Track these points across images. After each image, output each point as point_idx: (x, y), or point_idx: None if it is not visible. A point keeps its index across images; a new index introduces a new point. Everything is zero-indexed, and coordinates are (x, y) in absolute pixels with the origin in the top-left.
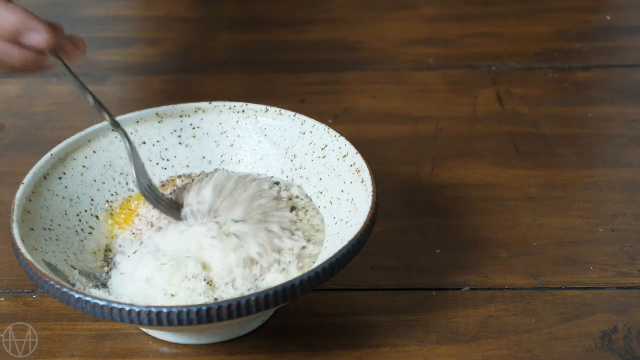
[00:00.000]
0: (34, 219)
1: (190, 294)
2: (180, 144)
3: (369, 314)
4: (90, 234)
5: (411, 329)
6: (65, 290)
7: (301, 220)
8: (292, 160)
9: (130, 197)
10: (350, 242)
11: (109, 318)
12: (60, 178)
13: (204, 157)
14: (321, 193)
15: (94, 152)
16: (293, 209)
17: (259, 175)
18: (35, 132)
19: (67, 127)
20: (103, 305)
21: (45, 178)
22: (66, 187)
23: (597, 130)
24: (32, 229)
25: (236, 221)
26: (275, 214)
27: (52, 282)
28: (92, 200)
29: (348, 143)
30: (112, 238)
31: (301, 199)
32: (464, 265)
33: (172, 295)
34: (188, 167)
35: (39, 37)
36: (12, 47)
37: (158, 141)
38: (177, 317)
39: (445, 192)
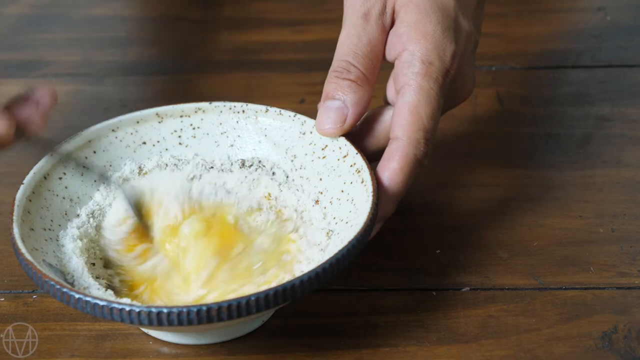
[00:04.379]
0: (34, 219)
1: None
2: (180, 144)
3: (369, 314)
4: None
5: (411, 329)
6: (65, 290)
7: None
8: (292, 160)
9: None
10: (350, 242)
11: (109, 318)
12: (60, 178)
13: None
14: (321, 193)
15: (94, 152)
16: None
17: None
18: None
19: (67, 127)
20: (103, 305)
21: (45, 178)
22: (66, 187)
23: (597, 130)
24: (32, 229)
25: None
26: None
27: (52, 282)
28: (92, 200)
29: (348, 143)
30: None
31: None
32: (464, 265)
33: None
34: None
35: None
36: None
37: (158, 141)
38: (177, 317)
39: (445, 192)
